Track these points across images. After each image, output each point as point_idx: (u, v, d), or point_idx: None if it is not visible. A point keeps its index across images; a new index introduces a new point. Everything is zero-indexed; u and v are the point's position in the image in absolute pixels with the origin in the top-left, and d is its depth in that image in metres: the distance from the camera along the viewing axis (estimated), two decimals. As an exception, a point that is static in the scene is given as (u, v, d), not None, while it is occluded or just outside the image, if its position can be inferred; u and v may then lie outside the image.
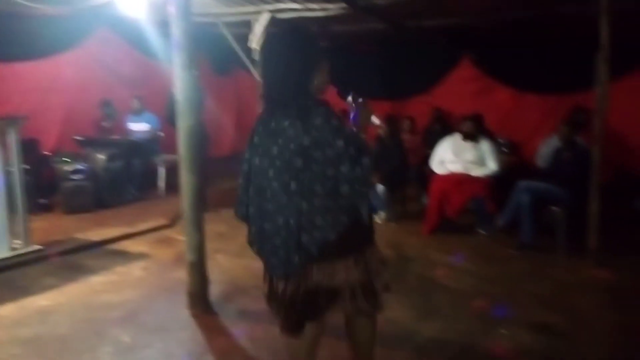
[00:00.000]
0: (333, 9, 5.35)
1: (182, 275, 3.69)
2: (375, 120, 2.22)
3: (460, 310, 3.44)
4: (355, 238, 1.95)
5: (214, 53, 8.43)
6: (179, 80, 3.33)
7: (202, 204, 3.44)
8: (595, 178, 4.27)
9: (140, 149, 6.69)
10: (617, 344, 2.97)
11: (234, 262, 4.36)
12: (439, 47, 7.50)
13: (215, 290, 3.57)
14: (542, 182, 4.87)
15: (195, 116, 3.40)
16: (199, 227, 3.38)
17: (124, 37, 7.21)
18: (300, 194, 1.82)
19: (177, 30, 3.28)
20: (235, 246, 4.81)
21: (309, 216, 1.82)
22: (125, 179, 6.28)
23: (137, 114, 7.07)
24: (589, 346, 2.95)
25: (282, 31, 2.02)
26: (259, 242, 2.00)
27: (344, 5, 5.16)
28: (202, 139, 3.45)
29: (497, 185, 5.32)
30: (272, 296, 2.06)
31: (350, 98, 2.23)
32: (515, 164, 6.66)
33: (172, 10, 3.25)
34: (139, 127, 7.03)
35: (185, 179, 3.31)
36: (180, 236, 5.00)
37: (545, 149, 6.22)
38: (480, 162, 5.22)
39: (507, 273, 4.13)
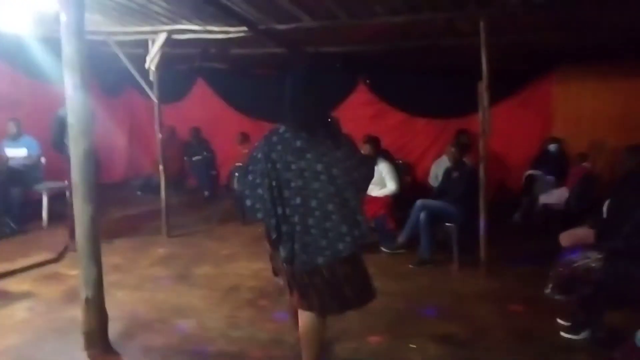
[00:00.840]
0: (233, 32, 5.32)
1: (74, 313, 3.37)
2: None
3: (371, 328, 3.51)
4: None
5: (103, 73, 7.96)
6: (71, 101, 3.08)
7: (99, 234, 3.17)
8: (483, 195, 4.65)
9: (18, 177, 6.05)
10: (512, 348, 3.21)
11: (133, 296, 4.07)
12: (336, 73, 7.77)
13: (114, 327, 3.29)
14: (436, 200, 5.20)
15: (90, 140, 3.15)
16: (95, 260, 3.11)
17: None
18: (338, 194, 2.37)
19: (68, 48, 3.05)
20: (134, 279, 4.51)
21: (353, 213, 2.41)
22: (2, 211, 5.62)
23: (15, 138, 6.41)
24: (488, 352, 3.17)
25: (313, 69, 2.64)
26: (297, 239, 2.37)
27: (244, 28, 5.16)
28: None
29: (395, 204, 5.59)
30: (311, 286, 2.44)
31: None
32: (409, 184, 7.07)
33: (63, 27, 3.02)
34: (16, 152, 6.37)
35: (80, 208, 3.04)
36: (70, 271, 4.61)
37: (436, 169, 6.71)
38: (380, 182, 5.45)
39: (410, 288, 4.32)
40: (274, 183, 2.34)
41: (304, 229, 2.34)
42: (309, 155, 2.34)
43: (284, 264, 2.45)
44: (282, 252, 2.40)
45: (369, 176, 2.59)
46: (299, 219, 2.33)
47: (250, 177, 2.40)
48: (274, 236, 2.39)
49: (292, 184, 2.33)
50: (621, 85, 6.74)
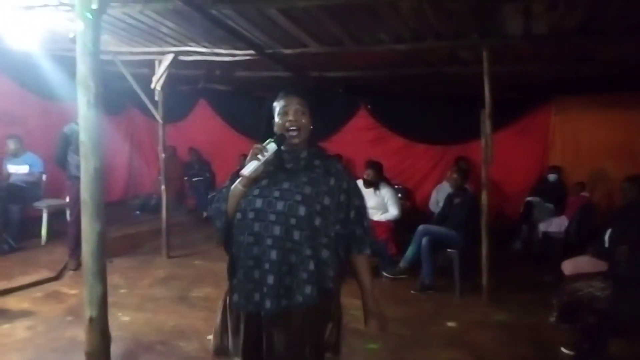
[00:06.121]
0: (240, 54, 5.40)
1: (75, 333, 3.35)
2: None
3: (373, 353, 3.49)
4: None
5: (105, 91, 7.98)
6: (84, 119, 3.10)
7: (105, 253, 3.15)
8: (485, 222, 4.68)
9: (18, 193, 6.02)
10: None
11: (134, 317, 4.03)
12: (338, 97, 7.86)
13: (116, 348, 3.24)
14: (438, 226, 5.21)
15: (100, 158, 3.15)
16: (101, 279, 3.07)
17: (6, 71, 6.55)
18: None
19: (83, 67, 3.08)
20: (134, 299, 4.48)
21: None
22: (1, 227, 5.58)
23: (16, 155, 6.38)
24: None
25: None
26: None
27: (251, 52, 5.24)
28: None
29: (395, 229, 5.60)
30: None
31: None
32: (409, 209, 7.09)
33: (79, 46, 3.06)
34: (18, 169, 6.34)
35: (89, 226, 3.02)
36: (70, 290, 4.57)
37: (437, 195, 6.74)
38: (381, 207, 5.47)
39: (413, 314, 4.30)
40: None
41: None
42: None
43: None
44: None
45: None
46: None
47: None
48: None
49: None
50: (618, 117, 6.85)
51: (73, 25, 3.27)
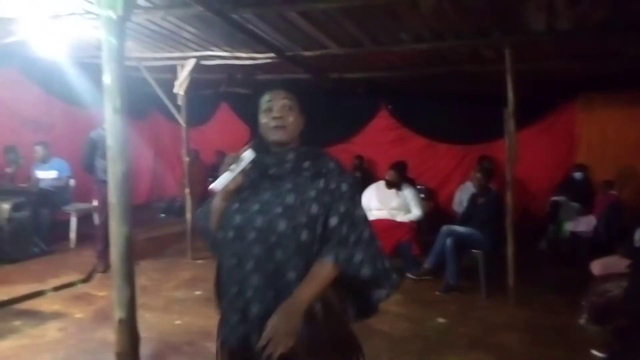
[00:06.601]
0: (260, 58, 5.45)
1: (105, 334, 3.40)
2: None
3: (399, 355, 3.47)
4: None
5: (130, 96, 8.14)
6: (110, 125, 3.16)
7: (133, 255, 3.21)
8: (510, 222, 4.61)
9: (48, 198, 6.18)
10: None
11: (161, 318, 4.09)
12: (358, 98, 7.85)
13: (145, 349, 3.29)
14: (462, 226, 5.16)
15: (127, 162, 3.22)
16: (129, 281, 3.13)
17: (33, 78, 6.75)
18: None
19: (109, 74, 3.15)
20: (161, 300, 4.55)
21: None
22: (32, 231, 5.73)
23: (44, 160, 6.54)
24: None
25: None
26: None
27: (271, 55, 5.27)
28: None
29: (419, 229, 5.57)
30: None
31: None
32: (432, 210, 7.04)
33: (105, 53, 3.13)
34: (46, 174, 6.50)
35: (117, 229, 3.08)
36: (99, 292, 4.67)
37: (461, 195, 6.68)
38: (404, 208, 5.44)
39: (438, 315, 4.26)
40: None
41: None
42: None
43: None
44: None
45: None
46: None
47: None
48: None
49: None
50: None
51: (98, 33, 3.35)
